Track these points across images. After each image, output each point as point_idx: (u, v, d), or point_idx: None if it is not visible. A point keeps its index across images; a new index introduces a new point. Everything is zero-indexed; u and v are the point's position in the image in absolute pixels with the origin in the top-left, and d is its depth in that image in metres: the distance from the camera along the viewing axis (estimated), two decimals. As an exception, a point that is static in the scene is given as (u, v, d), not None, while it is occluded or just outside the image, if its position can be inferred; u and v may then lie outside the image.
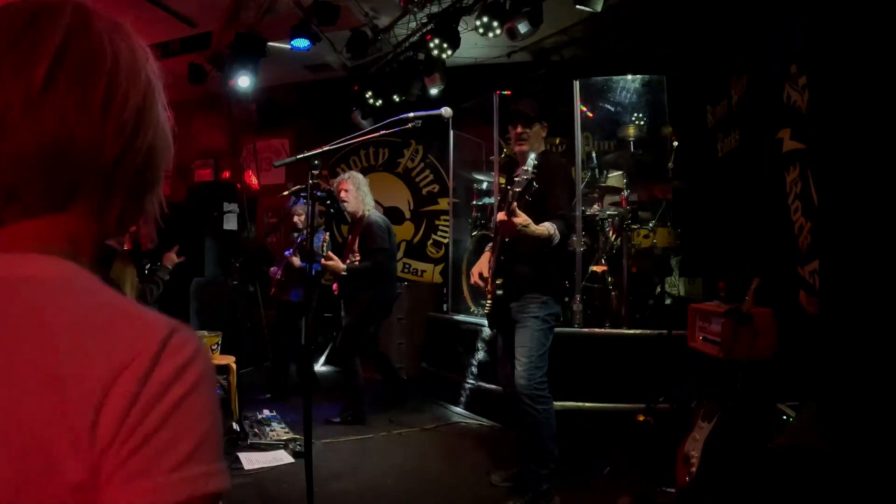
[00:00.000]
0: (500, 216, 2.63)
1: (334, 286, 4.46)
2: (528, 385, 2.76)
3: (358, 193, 4.05)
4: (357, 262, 4.03)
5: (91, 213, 0.55)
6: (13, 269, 0.50)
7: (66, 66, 0.52)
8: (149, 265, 3.63)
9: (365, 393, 4.15)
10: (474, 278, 3.04)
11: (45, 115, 0.51)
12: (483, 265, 3.05)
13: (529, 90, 5.83)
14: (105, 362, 0.46)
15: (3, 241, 0.52)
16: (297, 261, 4.58)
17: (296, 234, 4.87)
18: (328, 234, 4.64)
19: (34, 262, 0.51)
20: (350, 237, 4.24)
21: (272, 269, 4.95)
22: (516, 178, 2.68)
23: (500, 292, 2.86)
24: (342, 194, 4.03)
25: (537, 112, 2.97)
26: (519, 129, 2.97)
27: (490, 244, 3.22)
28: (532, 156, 2.62)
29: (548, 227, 2.67)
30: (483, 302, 3.09)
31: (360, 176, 4.17)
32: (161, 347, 0.48)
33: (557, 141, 4.93)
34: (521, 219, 2.57)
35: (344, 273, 3.95)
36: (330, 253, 3.95)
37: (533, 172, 2.54)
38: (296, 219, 4.87)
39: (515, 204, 2.57)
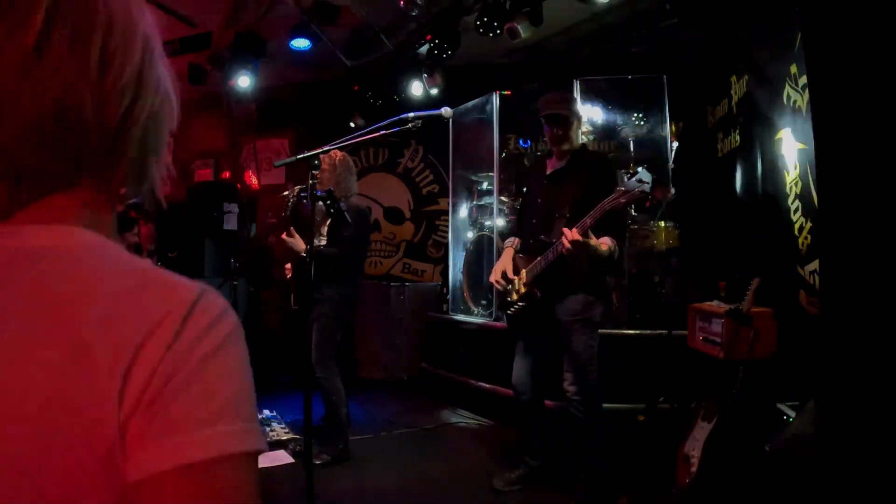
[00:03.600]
0: (573, 235, 2.43)
1: None
2: (580, 391, 2.70)
3: (333, 173, 3.44)
4: (322, 247, 3.39)
5: (98, 183, 0.52)
6: (35, 240, 0.49)
7: (59, 25, 0.47)
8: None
9: (347, 422, 3.52)
10: (496, 276, 2.93)
11: (42, 81, 0.47)
12: (507, 263, 2.94)
13: (529, 90, 5.84)
14: (133, 326, 0.45)
15: (21, 219, 0.49)
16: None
17: None
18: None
19: (56, 231, 0.49)
20: (318, 220, 3.49)
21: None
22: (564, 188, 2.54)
23: (541, 294, 2.76)
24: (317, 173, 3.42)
25: (575, 108, 2.89)
26: (560, 132, 2.86)
27: (508, 241, 3.12)
28: (644, 172, 2.32)
29: (610, 245, 2.53)
30: (510, 300, 2.94)
31: (341, 155, 3.54)
32: (190, 309, 0.47)
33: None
34: (595, 240, 2.44)
35: (303, 255, 3.22)
36: (292, 229, 3.36)
37: (640, 192, 2.31)
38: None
39: (591, 222, 2.43)
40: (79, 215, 0.51)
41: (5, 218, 0.49)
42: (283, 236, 3.36)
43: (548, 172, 3.00)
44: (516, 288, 2.88)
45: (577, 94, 4.51)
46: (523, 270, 2.85)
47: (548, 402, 3.32)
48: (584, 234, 2.43)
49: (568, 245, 2.46)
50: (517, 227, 3.27)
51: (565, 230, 2.49)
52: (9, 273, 0.47)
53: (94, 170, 0.51)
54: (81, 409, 0.43)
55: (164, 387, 0.44)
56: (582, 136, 4.35)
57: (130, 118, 0.52)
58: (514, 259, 2.95)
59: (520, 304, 2.86)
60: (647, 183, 2.32)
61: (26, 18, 0.46)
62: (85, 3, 0.49)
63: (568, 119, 2.85)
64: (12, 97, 0.46)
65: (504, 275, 2.93)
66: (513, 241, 3.07)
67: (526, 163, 5.33)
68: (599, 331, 3.92)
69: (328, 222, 3.47)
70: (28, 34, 0.46)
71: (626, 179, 2.41)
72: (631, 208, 4.37)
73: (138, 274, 0.49)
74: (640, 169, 2.40)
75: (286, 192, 3.81)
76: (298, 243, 3.31)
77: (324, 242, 3.44)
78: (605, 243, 2.54)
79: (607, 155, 2.87)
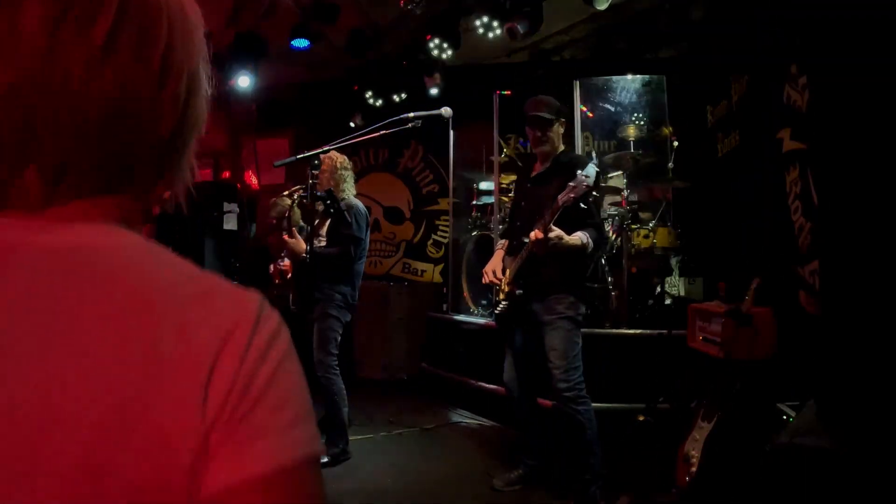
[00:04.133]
0: (537, 234, 2.59)
1: None
2: (568, 387, 2.72)
3: (333, 175, 3.48)
4: (321, 248, 3.40)
5: (140, 190, 0.52)
6: (82, 239, 0.46)
7: (127, 25, 0.47)
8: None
9: (347, 422, 3.51)
10: (489, 277, 3.00)
11: (106, 80, 0.46)
12: (496, 264, 3.02)
13: (529, 90, 5.84)
14: (208, 335, 0.45)
15: (53, 217, 0.47)
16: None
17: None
18: None
19: (102, 230, 0.48)
20: (318, 221, 3.48)
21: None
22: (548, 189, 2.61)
23: (519, 292, 2.81)
24: (317, 172, 3.26)
25: (556, 111, 2.95)
26: (539, 134, 2.93)
27: (500, 242, 3.20)
28: (590, 167, 2.55)
29: (581, 237, 2.66)
30: (497, 299, 3.04)
31: (342, 157, 3.57)
32: (257, 319, 0.47)
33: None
34: (556, 233, 2.57)
35: (304, 256, 3.20)
36: (294, 230, 3.42)
37: (586, 186, 2.51)
38: None
39: (550, 218, 2.55)
40: (116, 217, 0.50)
41: (34, 211, 0.47)
42: (285, 237, 3.36)
43: (531, 176, 3.08)
44: (501, 287, 2.96)
45: (577, 94, 4.51)
46: (508, 270, 2.94)
47: (546, 402, 3.33)
48: (547, 232, 2.55)
49: (532, 243, 2.63)
50: (507, 230, 3.33)
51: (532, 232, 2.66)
52: (61, 273, 0.45)
53: (140, 177, 0.51)
54: (161, 417, 0.42)
55: (244, 396, 0.44)
56: (583, 138, 4.37)
57: (181, 127, 0.52)
58: (502, 260, 3.04)
59: (504, 302, 2.94)
60: (590, 177, 2.53)
61: (95, 18, 0.46)
62: (149, 8, 0.49)
63: (546, 121, 2.91)
64: (75, 94, 0.46)
65: (494, 273, 3.02)
66: (502, 244, 3.16)
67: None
68: (600, 331, 3.94)
69: (327, 223, 3.47)
70: (96, 33, 0.46)
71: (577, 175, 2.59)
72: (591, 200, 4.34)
73: (199, 280, 0.48)
74: (589, 164, 2.61)
75: (285, 193, 3.81)
76: (300, 244, 3.32)
77: (323, 244, 3.44)
78: (576, 236, 2.67)
79: (587, 157, 2.97)
